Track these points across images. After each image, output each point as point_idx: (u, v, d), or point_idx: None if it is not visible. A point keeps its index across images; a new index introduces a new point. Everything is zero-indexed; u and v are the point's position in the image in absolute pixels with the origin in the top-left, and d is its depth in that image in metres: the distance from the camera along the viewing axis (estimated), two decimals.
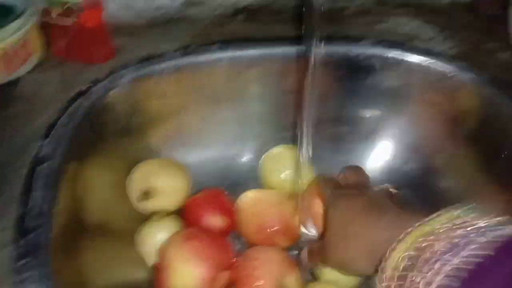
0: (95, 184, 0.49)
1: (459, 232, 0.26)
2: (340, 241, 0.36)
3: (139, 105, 0.54)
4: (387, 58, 0.57)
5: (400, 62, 0.57)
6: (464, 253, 0.24)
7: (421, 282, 0.25)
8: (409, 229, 0.28)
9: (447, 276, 0.24)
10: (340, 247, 0.36)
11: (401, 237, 0.28)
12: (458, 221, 0.27)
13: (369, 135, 0.60)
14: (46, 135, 0.45)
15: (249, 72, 0.58)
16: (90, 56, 0.54)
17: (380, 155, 0.60)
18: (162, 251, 0.47)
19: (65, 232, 0.40)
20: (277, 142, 0.62)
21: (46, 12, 0.52)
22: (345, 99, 0.59)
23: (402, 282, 0.26)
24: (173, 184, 0.54)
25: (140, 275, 0.50)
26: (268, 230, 0.52)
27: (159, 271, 0.46)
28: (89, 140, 0.48)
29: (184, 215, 0.54)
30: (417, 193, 0.58)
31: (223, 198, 0.56)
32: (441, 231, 0.27)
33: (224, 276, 0.48)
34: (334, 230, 0.37)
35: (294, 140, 0.61)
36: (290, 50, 0.58)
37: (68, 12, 0.51)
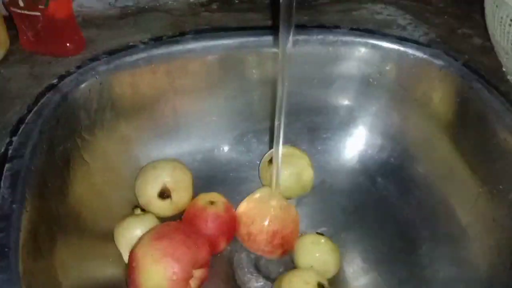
0: (68, 181, 0.48)
1: None
2: None
3: (112, 98, 0.53)
4: (362, 46, 0.57)
5: (374, 49, 0.57)
6: None
7: None
8: None
9: None
10: None
11: None
12: None
13: (344, 123, 0.60)
14: (14, 132, 0.44)
15: (223, 62, 0.57)
16: (59, 48, 0.52)
17: (355, 144, 0.60)
18: (132, 251, 0.46)
19: (36, 232, 0.39)
20: (253, 134, 0.62)
21: (11, 2, 0.50)
22: (320, 87, 0.58)
23: None
24: (186, 183, 0.55)
25: (116, 272, 0.49)
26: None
27: (130, 272, 0.46)
28: (60, 135, 0.47)
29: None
30: (393, 180, 0.58)
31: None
32: None
33: (200, 274, 0.47)
34: None
35: (270, 131, 0.61)
36: (265, 39, 0.57)
37: (34, 2, 0.49)
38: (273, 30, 0.57)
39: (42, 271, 0.38)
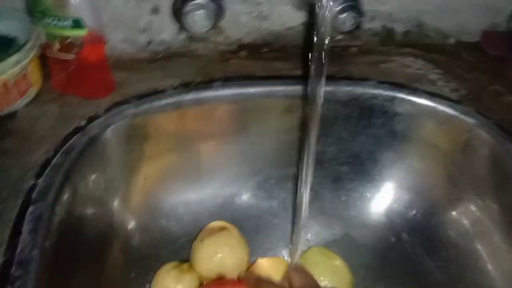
0: (88, 226, 0.47)
1: None
2: None
3: (138, 142, 0.53)
4: (390, 99, 0.56)
5: (403, 104, 0.56)
6: None
7: None
8: None
9: None
10: None
11: None
12: None
13: (370, 176, 0.59)
14: (40, 174, 0.44)
15: (251, 109, 0.57)
16: (90, 90, 0.53)
17: (382, 198, 0.59)
18: None
19: (52, 279, 0.38)
20: (277, 180, 0.61)
21: (46, 46, 0.52)
22: (347, 139, 0.58)
23: None
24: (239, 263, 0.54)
25: None
26: None
27: None
28: (84, 176, 0.47)
29: None
30: (418, 238, 0.56)
31: None
32: None
33: None
34: None
35: (295, 179, 0.60)
36: (292, 88, 0.57)
37: (69, 46, 0.50)
38: (302, 79, 0.57)
39: None
